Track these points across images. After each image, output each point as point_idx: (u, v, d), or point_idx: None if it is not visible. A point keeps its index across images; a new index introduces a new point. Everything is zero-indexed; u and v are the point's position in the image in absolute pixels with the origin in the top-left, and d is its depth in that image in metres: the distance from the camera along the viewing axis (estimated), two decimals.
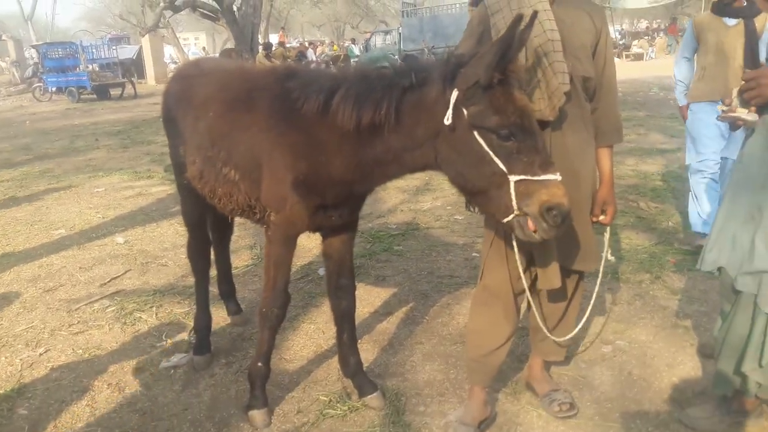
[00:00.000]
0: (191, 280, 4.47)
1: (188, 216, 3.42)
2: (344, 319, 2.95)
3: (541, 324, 2.64)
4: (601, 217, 2.56)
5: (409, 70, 2.19)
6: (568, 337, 2.68)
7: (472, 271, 4.46)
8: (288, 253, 2.72)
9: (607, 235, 2.64)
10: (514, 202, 1.97)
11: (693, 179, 4.67)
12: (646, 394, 2.87)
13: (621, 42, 34.83)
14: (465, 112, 2.02)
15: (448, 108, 2.05)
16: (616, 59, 25.47)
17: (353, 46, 27.60)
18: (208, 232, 3.49)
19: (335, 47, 33.54)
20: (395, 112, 2.17)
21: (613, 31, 38.18)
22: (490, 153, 1.99)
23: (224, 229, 3.68)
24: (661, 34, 33.89)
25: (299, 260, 4.84)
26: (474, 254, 4.81)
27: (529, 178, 1.95)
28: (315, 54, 24.99)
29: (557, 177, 1.96)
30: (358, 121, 2.22)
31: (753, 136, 2.22)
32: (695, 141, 4.62)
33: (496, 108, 1.98)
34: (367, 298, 4.08)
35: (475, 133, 2.02)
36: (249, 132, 2.60)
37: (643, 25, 43.26)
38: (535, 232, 2.00)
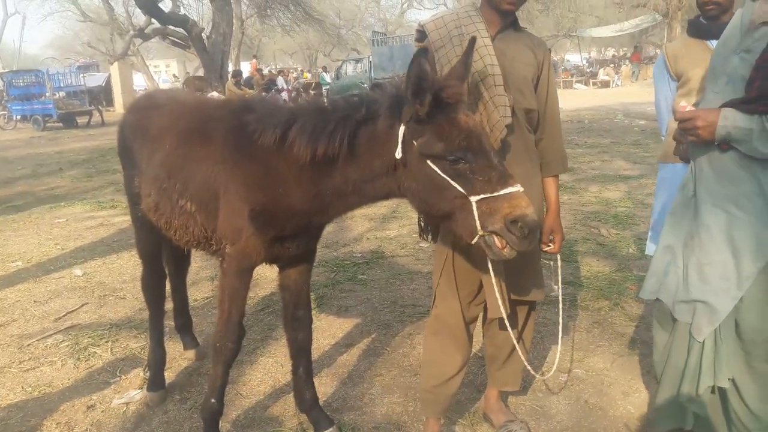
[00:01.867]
0: (147, 314, 4.43)
1: (143, 248, 3.37)
2: (300, 352, 2.92)
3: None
4: (549, 247, 2.60)
5: (360, 104, 2.21)
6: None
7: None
8: (243, 286, 2.68)
9: (558, 264, 2.67)
10: (477, 223, 1.98)
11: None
12: (601, 423, 2.87)
13: (588, 70, 35.81)
14: (414, 143, 2.05)
15: (396, 142, 2.08)
16: (583, 86, 25.94)
17: (325, 74, 27.78)
18: (163, 264, 3.44)
19: (306, 75, 33.76)
20: (349, 144, 2.19)
21: (581, 59, 39.23)
22: (447, 178, 2.01)
23: (181, 261, 3.64)
24: (626, 62, 34.83)
25: (261, 291, 4.80)
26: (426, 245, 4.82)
27: (489, 195, 1.96)
28: (285, 82, 25.07)
29: (518, 188, 1.97)
30: (313, 153, 2.23)
31: (692, 161, 2.27)
32: (656, 225, 3.38)
33: (439, 135, 2.01)
34: (329, 329, 4.04)
35: (429, 161, 2.04)
36: (205, 164, 2.60)
37: (610, 53, 44.46)
38: (504, 249, 2.00)
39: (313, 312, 4.22)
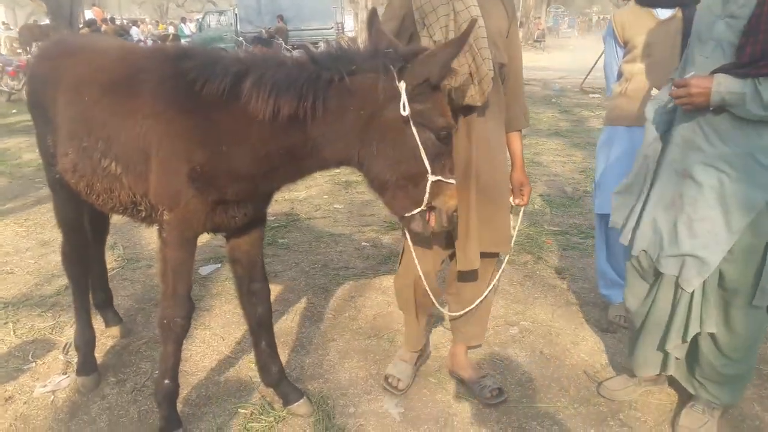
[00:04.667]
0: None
1: (62, 216, 2.94)
2: (261, 326, 2.72)
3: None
4: (518, 200, 2.67)
5: (333, 60, 2.03)
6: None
7: (366, 261, 4.39)
8: (188, 256, 2.43)
9: (519, 216, 2.70)
10: (425, 199, 2.07)
11: (597, 226, 3.57)
12: (562, 372, 2.99)
13: None
14: (407, 107, 1.97)
15: (392, 100, 1.97)
16: None
17: (183, 25, 25.94)
18: (86, 233, 3.03)
19: (161, 26, 31.45)
20: (322, 102, 2.02)
21: None
22: (422, 151, 2.01)
23: (100, 229, 3.22)
24: None
25: None
26: (364, 244, 4.74)
27: (442, 179, 2.06)
28: (141, 34, 23.13)
29: (454, 181, 2.13)
30: (276, 110, 2.03)
31: (676, 125, 2.37)
32: (600, 184, 3.40)
33: (440, 110, 2.03)
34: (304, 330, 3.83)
35: (414, 129, 2.00)
36: (132, 119, 2.27)
37: None
38: (431, 226, 2.15)
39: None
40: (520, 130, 2.69)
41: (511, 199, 2.67)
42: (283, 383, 2.73)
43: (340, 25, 25.31)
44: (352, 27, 27.82)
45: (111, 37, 3.14)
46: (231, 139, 2.17)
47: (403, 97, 1.95)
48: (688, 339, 2.40)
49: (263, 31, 19.79)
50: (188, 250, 2.41)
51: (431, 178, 2.03)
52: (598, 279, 3.60)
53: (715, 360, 2.45)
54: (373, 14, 2.17)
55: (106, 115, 2.35)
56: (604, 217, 3.43)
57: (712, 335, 2.40)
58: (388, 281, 4.05)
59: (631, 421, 2.62)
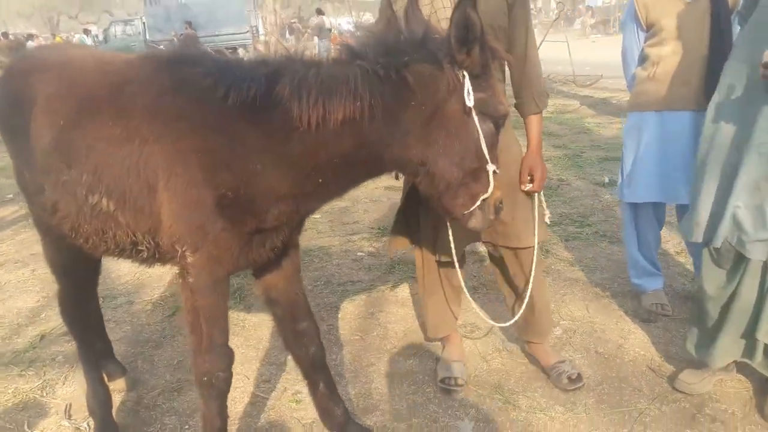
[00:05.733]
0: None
1: (54, 259, 2.51)
2: (317, 367, 2.42)
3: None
4: (529, 186, 2.55)
5: (381, 54, 1.80)
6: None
7: (370, 272, 4.11)
8: (222, 301, 2.08)
9: (538, 201, 2.59)
10: (490, 188, 1.93)
11: (627, 215, 3.43)
12: (626, 370, 2.84)
13: (358, 33, 36.65)
14: (471, 96, 1.81)
15: (454, 91, 1.82)
16: None
17: (85, 36, 24.34)
18: (84, 276, 2.60)
19: (58, 38, 29.50)
20: (380, 101, 1.79)
21: (351, 23, 39.92)
22: (483, 141, 1.87)
23: (93, 270, 2.76)
24: None
25: (158, 289, 3.98)
26: (359, 254, 4.45)
27: (495, 169, 1.93)
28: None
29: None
30: (326, 116, 1.77)
31: (759, 108, 2.23)
32: (632, 171, 3.25)
33: (498, 96, 1.92)
34: (271, 323, 3.47)
35: (476, 119, 1.84)
36: (127, 145, 1.90)
37: None
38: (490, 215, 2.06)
39: (240, 308, 3.67)
40: (540, 112, 2.59)
41: (522, 184, 2.55)
42: (349, 424, 2.43)
43: (255, 28, 24.66)
44: (263, 31, 27.25)
45: (84, 47, 2.70)
46: (267, 155, 1.86)
47: (468, 86, 1.81)
48: None
49: (174, 39, 18.95)
50: (222, 292, 2.07)
51: (490, 168, 1.90)
52: (629, 268, 3.49)
53: None
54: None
55: (89, 142, 1.97)
56: (635, 206, 3.33)
57: None
58: (403, 292, 3.79)
59: (720, 415, 2.50)
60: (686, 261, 3.90)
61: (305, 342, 2.35)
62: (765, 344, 2.39)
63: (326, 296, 3.79)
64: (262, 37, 24.67)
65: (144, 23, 20.87)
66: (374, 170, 2.02)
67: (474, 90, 1.81)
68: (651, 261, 3.41)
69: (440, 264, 2.79)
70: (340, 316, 3.53)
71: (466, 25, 1.76)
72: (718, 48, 2.92)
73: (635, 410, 2.56)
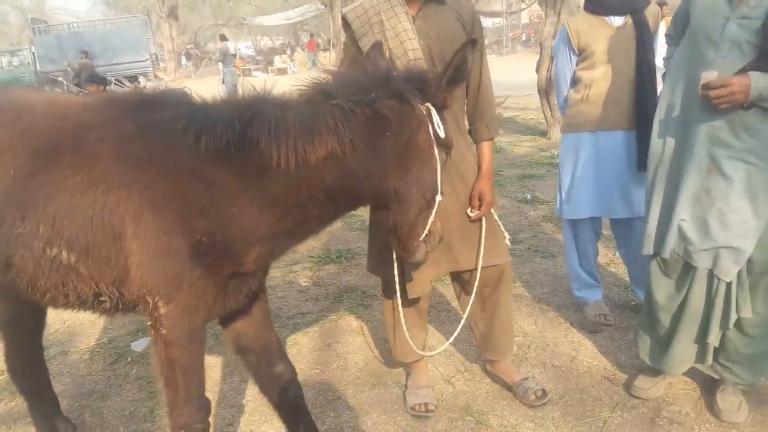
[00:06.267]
0: None
1: (2, 315, 2.31)
2: (297, 411, 2.39)
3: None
4: (474, 212, 2.63)
5: (349, 92, 1.87)
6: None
7: (317, 303, 4.06)
8: (199, 351, 2.03)
9: (483, 228, 2.65)
10: (431, 222, 2.03)
11: (567, 231, 3.59)
12: (584, 381, 2.97)
13: (258, 57, 36.61)
14: (440, 128, 1.96)
15: (422, 123, 1.94)
16: (261, 74, 26.27)
17: None
18: (31, 330, 2.42)
19: None
20: (359, 136, 1.86)
21: (249, 47, 39.68)
22: (439, 171, 1.99)
23: (40, 323, 2.58)
24: (298, 49, 36.41)
25: (93, 336, 3.74)
26: (304, 284, 4.39)
27: (440, 198, 2.03)
28: None
29: None
30: (307, 154, 1.81)
31: (696, 125, 2.44)
32: (570, 189, 3.44)
33: (450, 128, 2.07)
34: (229, 364, 3.36)
35: (436, 150, 1.97)
36: (89, 193, 1.83)
37: (278, 42, 45.97)
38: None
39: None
40: (492, 139, 2.70)
41: (469, 210, 2.63)
42: None
43: (154, 56, 23.89)
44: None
45: (30, 89, 2.53)
46: (244, 196, 1.86)
47: (436, 119, 1.94)
48: (730, 326, 2.49)
49: (68, 69, 18.04)
50: (198, 342, 2.02)
51: (438, 198, 2.01)
52: (571, 282, 3.66)
53: (739, 341, 2.56)
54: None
55: (46, 192, 1.86)
56: (574, 222, 3.51)
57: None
58: (355, 320, 3.78)
59: (676, 416, 2.66)
60: (618, 271, 4.14)
61: (284, 386, 2.30)
62: (714, 347, 2.58)
63: (277, 330, 3.69)
64: (162, 65, 24.00)
65: (33, 53, 19.72)
66: (352, 203, 2.07)
67: (440, 123, 1.95)
68: (591, 274, 3.60)
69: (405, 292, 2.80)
70: (295, 350, 3.46)
71: (461, 68, 1.94)
72: (644, 71, 3.19)
73: (599, 419, 2.68)
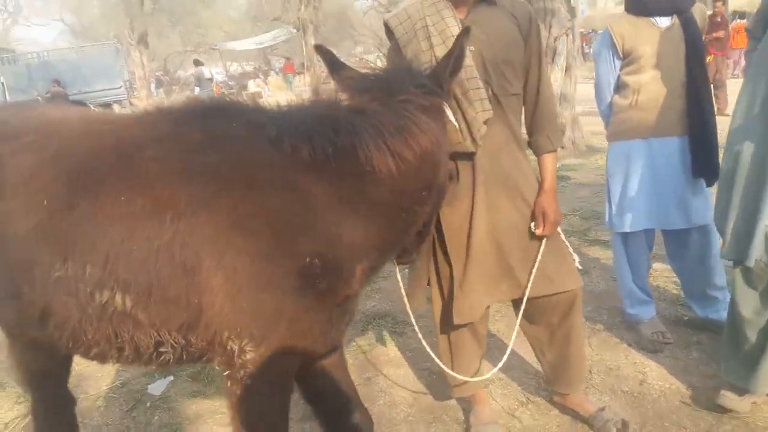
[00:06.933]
0: None
1: (29, 371, 2.01)
2: None
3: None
4: (539, 229, 2.40)
5: (404, 85, 1.74)
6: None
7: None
8: (288, 403, 1.75)
9: (541, 248, 2.41)
10: None
11: (618, 246, 3.36)
12: (662, 408, 2.72)
13: (231, 83, 36.34)
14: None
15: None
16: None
17: None
18: (62, 380, 2.09)
19: None
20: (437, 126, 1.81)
21: (221, 73, 39.32)
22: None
23: (67, 372, 2.24)
24: (272, 73, 36.27)
25: (104, 380, 3.38)
26: None
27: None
28: None
29: None
30: (403, 154, 1.64)
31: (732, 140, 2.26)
32: (621, 201, 3.22)
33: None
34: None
35: None
36: (153, 221, 1.54)
37: (250, 67, 45.76)
38: None
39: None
40: (554, 151, 2.48)
41: (532, 225, 2.40)
42: None
43: (128, 83, 23.44)
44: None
45: (52, 106, 2.22)
46: (347, 208, 1.63)
47: (448, 111, 1.96)
48: None
49: (39, 99, 17.53)
50: (289, 390, 1.75)
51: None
52: (624, 299, 3.43)
53: None
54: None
55: (92, 226, 1.56)
56: (626, 236, 3.29)
57: None
58: (391, 351, 3.49)
59: None
60: (661, 284, 3.93)
61: None
62: None
63: None
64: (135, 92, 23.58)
65: (2, 83, 19.15)
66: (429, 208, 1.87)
67: None
68: (643, 289, 3.38)
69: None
70: None
71: (461, 56, 1.86)
72: (697, 73, 3.00)
73: None
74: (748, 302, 2.44)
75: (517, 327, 2.53)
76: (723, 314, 3.24)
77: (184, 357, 1.67)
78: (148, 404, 3.14)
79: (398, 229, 1.75)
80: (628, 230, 3.23)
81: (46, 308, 1.60)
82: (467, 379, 2.56)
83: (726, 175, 2.48)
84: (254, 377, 1.58)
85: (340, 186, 1.62)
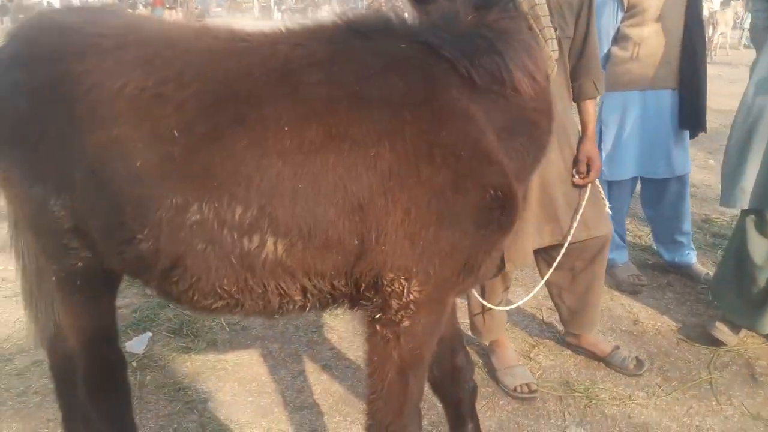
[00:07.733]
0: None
1: (81, 327, 1.70)
2: (472, 407, 2.06)
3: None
4: (581, 178, 2.46)
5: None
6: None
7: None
8: (434, 343, 1.64)
9: (585, 196, 2.48)
10: None
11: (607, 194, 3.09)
12: (663, 344, 2.91)
13: None
14: None
15: None
16: None
17: None
18: (118, 347, 1.82)
19: None
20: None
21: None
22: None
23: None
24: (140, 6, 33.34)
25: None
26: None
27: None
28: None
29: None
30: (534, 72, 1.55)
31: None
32: (615, 149, 3.31)
33: None
34: (260, 357, 2.87)
35: None
36: (329, 153, 1.36)
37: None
38: None
39: (203, 348, 2.95)
40: (593, 98, 2.52)
41: (574, 172, 2.46)
42: None
43: None
44: None
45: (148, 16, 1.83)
46: (513, 129, 1.55)
47: None
48: None
49: None
50: (440, 332, 1.65)
51: None
52: None
53: None
54: None
55: (244, 160, 1.35)
56: (611, 184, 3.41)
57: None
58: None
59: None
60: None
61: (463, 378, 1.96)
62: None
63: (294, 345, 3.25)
64: None
65: None
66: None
67: None
68: (621, 236, 3.56)
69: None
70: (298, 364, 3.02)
71: None
72: (695, 28, 3.15)
73: (703, 381, 2.64)
74: (760, 249, 2.64)
75: (552, 269, 2.55)
76: (687, 257, 3.54)
77: (318, 305, 1.52)
78: (134, 363, 2.84)
79: (532, 160, 1.64)
80: (618, 178, 3.36)
81: (175, 257, 1.38)
82: (495, 307, 2.54)
83: (740, 129, 2.63)
84: (415, 320, 1.47)
85: (503, 110, 1.51)
